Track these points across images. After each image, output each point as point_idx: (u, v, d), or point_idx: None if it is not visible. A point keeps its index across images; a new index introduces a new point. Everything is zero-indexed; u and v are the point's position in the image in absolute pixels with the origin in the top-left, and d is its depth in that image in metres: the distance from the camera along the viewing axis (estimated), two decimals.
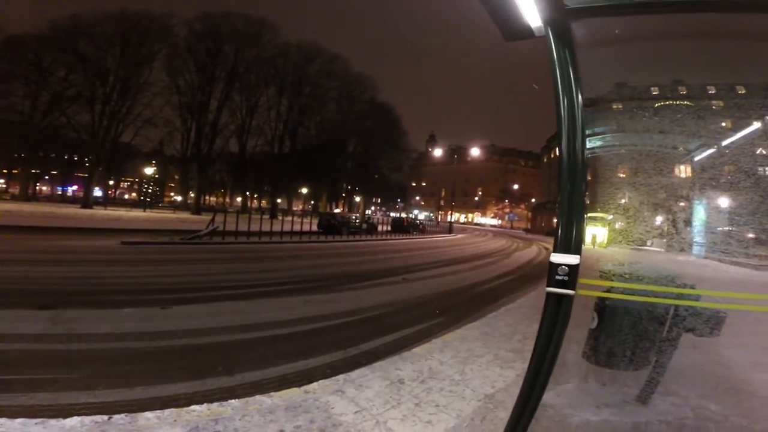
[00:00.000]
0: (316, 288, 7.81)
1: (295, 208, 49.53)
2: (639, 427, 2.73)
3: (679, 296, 2.54)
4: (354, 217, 28.63)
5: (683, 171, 3.31)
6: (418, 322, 5.84)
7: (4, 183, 54.84)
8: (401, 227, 32.41)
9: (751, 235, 2.85)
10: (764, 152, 2.78)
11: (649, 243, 3.21)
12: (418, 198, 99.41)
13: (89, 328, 4.52)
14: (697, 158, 3.14)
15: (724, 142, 2.95)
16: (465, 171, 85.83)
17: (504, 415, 2.80)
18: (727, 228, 2.90)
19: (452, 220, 47.18)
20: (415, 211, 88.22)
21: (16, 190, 42.90)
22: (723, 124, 3.08)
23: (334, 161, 47.77)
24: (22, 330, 4.26)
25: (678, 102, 3.09)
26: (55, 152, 46.11)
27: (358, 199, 59.38)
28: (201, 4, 70.08)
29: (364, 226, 27.24)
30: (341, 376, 3.43)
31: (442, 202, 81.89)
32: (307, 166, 43.37)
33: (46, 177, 57.43)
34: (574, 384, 3.25)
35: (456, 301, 7.65)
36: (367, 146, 52.33)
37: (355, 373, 3.52)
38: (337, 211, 48.58)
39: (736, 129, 2.89)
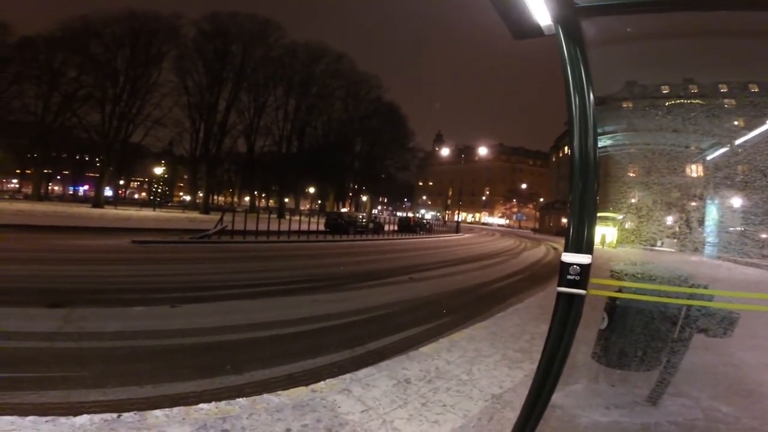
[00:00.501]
0: (324, 287, 7.82)
1: (302, 208, 49.66)
2: (648, 428, 2.69)
3: (692, 296, 2.51)
4: (361, 217, 28.64)
5: (696, 170, 3.26)
6: (425, 322, 5.83)
7: (17, 183, 55.76)
8: (408, 227, 32.34)
9: (765, 236, 2.80)
10: None
11: (659, 243, 3.17)
12: (425, 197, 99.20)
13: (100, 326, 4.57)
14: (710, 157, 3.09)
15: (738, 141, 2.90)
16: (472, 170, 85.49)
17: (512, 415, 2.79)
18: (741, 228, 2.85)
19: (459, 220, 46.94)
20: (422, 211, 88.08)
21: (28, 189, 43.57)
22: (736, 122, 3.03)
23: (341, 161, 47.85)
24: (33, 328, 4.31)
25: (690, 100, 3.04)
26: (66, 152, 46.73)
27: (365, 198, 59.42)
28: (207, 4, 70.52)
29: (371, 225, 27.25)
30: (348, 376, 3.43)
31: (449, 202, 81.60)
32: (315, 166, 43.50)
33: (58, 177, 58.25)
34: (583, 384, 3.22)
35: (463, 301, 7.63)
36: (374, 145, 52.35)
37: (362, 373, 3.52)
38: (344, 210, 48.68)
39: (749, 127, 2.84)
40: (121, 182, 58.58)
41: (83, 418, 2.41)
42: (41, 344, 3.95)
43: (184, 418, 2.53)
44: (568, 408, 2.87)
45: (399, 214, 69.57)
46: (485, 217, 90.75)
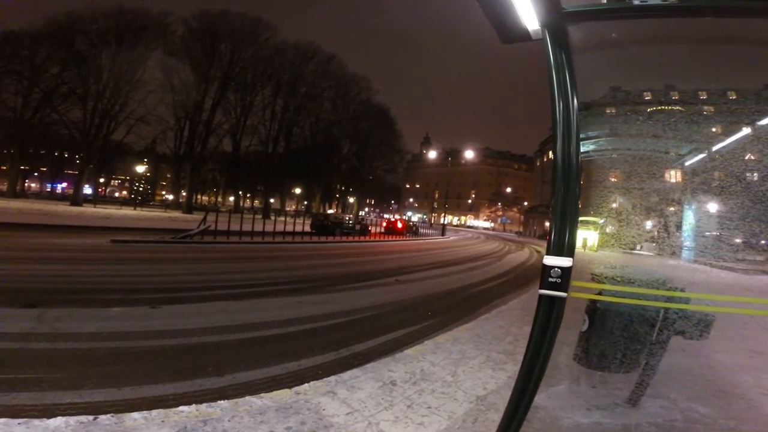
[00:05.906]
0: (309, 288, 7.77)
1: (288, 209, 49.30)
2: (629, 429, 2.74)
3: (670, 299, 2.56)
4: (347, 218, 28.57)
5: (675, 175, 3.34)
6: (410, 324, 5.83)
7: None
8: (393, 230, 32.37)
9: (739, 240, 2.88)
10: (754, 157, 2.81)
11: (639, 247, 3.24)
12: (412, 200, 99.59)
13: (76, 327, 4.45)
14: (688, 163, 3.17)
15: (715, 147, 2.99)
16: (459, 173, 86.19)
17: (496, 417, 2.80)
18: (717, 232, 2.93)
19: (445, 222, 47.20)
20: (409, 213, 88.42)
21: (4, 186, 42.27)
22: (714, 129, 3.12)
23: (328, 162, 47.68)
24: (6, 329, 4.17)
25: (671, 107, 3.12)
26: (45, 149, 45.60)
27: (351, 200, 59.31)
28: (198, 1, 69.51)
29: (358, 227, 27.20)
30: (333, 378, 3.41)
31: (435, 204, 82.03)
32: (301, 166, 43.26)
33: (35, 174, 56.73)
34: (565, 386, 3.27)
35: (448, 303, 7.66)
36: (362, 147, 52.29)
37: (347, 375, 3.50)
38: (330, 211, 48.44)
39: (727, 134, 2.93)
40: (102, 180, 57.34)
41: (58, 420, 2.34)
42: (14, 345, 3.82)
43: (163, 421, 2.48)
44: (551, 409, 2.91)
45: (386, 216, 69.61)
46: (471, 220, 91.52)
